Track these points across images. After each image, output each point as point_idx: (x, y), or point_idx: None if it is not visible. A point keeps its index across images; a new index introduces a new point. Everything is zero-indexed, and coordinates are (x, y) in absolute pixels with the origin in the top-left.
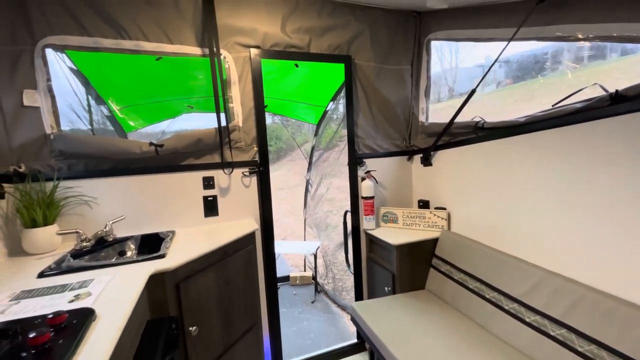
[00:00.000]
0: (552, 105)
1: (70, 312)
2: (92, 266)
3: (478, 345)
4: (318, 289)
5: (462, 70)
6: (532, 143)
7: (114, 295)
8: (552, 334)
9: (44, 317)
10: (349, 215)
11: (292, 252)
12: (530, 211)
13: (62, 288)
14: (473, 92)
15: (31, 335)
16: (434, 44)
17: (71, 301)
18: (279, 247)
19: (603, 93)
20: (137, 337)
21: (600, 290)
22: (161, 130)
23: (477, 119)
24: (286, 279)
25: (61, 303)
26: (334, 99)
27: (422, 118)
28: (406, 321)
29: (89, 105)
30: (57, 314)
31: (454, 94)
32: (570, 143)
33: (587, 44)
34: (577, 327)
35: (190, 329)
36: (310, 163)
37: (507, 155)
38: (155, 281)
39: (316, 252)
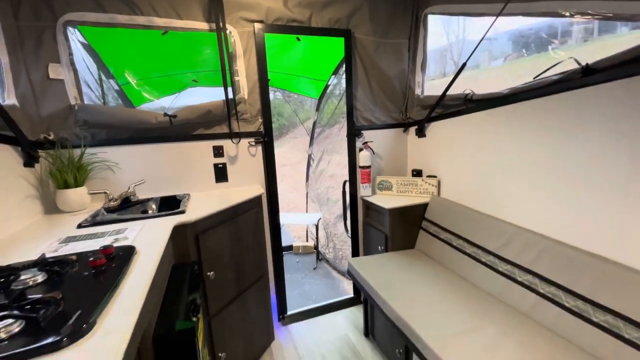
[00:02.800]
0: (533, 78)
1: (116, 247)
2: (123, 219)
3: (458, 291)
4: (319, 257)
5: (469, 42)
6: (514, 113)
7: (146, 240)
8: (519, 279)
9: (95, 251)
10: (347, 184)
11: (294, 222)
12: (509, 176)
13: (102, 234)
14: (464, 65)
15: (91, 259)
16: (442, 18)
17: (112, 243)
18: (283, 218)
19: (577, 66)
20: (166, 276)
21: (562, 242)
22: (167, 106)
23: (468, 92)
24: (289, 248)
25: (104, 244)
26: (335, 72)
27: (417, 91)
28: (396, 273)
29: (100, 79)
30: (107, 247)
31: (458, 68)
32: (548, 112)
33: (572, 19)
34: (541, 273)
35: (209, 273)
36: (312, 138)
37: (492, 125)
38: (178, 232)
39: (317, 223)
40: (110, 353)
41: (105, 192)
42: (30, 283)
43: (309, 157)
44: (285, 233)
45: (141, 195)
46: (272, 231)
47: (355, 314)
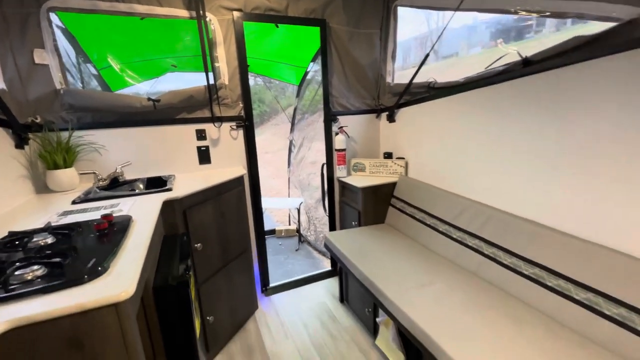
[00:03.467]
0: (485, 68)
1: (115, 216)
2: (115, 196)
3: (418, 256)
4: (301, 239)
5: (450, 31)
6: (468, 99)
7: (139, 212)
8: (469, 244)
9: (96, 219)
10: (325, 167)
11: (277, 207)
12: (464, 156)
13: (97, 209)
14: (427, 56)
15: (95, 223)
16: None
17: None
18: (266, 202)
19: (519, 58)
20: (159, 245)
21: (503, 210)
22: (147, 90)
23: (431, 80)
24: (272, 232)
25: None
26: (314, 59)
27: (388, 79)
28: (366, 243)
29: (78, 64)
30: (107, 215)
31: (438, 56)
32: (495, 99)
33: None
34: (486, 237)
35: (196, 245)
36: (292, 124)
37: (450, 110)
38: (167, 207)
39: (299, 207)
40: (124, 286)
41: (94, 173)
42: (42, 243)
43: (290, 143)
44: (268, 218)
45: (128, 176)
46: (254, 208)
47: (333, 284)
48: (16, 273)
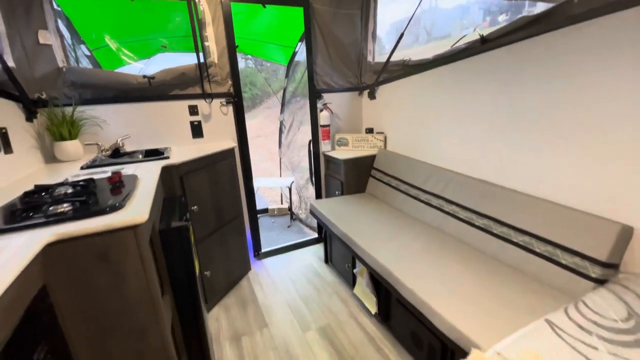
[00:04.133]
0: (451, 47)
1: (122, 175)
2: (119, 162)
3: (391, 217)
4: (293, 217)
5: (441, 11)
6: (437, 75)
7: (143, 173)
8: (433, 204)
9: (108, 175)
10: (311, 144)
11: (269, 186)
12: (433, 127)
13: (104, 172)
14: (401, 35)
15: (108, 177)
16: None
17: None
18: (258, 182)
19: (478, 37)
20: (161, 202)
21: (463, 173)
22: (137, 72)
23: (406, 58)
24: (265, 210)
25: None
26: (301, 39)
27: (369, 58)
28: (347, 208)
29: (73, 45)
30: (116, 172)
31: (431, 37)
32: (458, 74)
33: None
34: (447, 197)
35: (193, 208)
36: (282, 104)
37: (421, 86)
38: (165, 172)
39: (290, 186)
40: (139, 213)
41: (97, 144)
42: (65, 192)
43: (281, 123)
44: (261, 198)
45: (128, 149)
46: (245, 178)
47: (319, 249)
48: (50, 208)
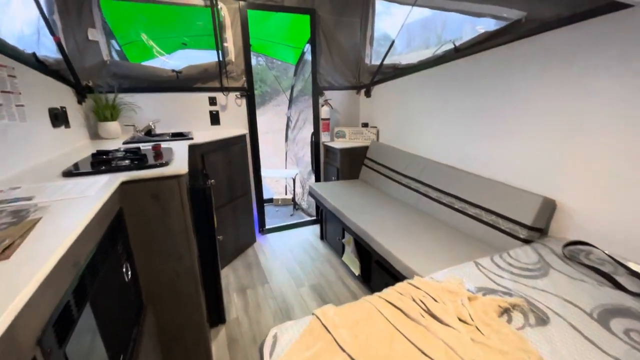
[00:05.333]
0: (432, 54)
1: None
2: (153, 140)
3: (377, 198)
4: (296, 207)
5: (453, 15)
6: (421, 78)
7: (175, 148)
8: (412, 186)
9: (150, 147)
10: (313, 135)
11: (275, 176)
12: (417, 123)
13: (143, 146)
14: (393, 42)
15: (152, 146)
16: None
17: None
18: (265, 173)
19: (452, 47)
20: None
21: (436, 160)
22: (160, 64)
23: (396, 62)
24: (270, 200)
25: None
26: (309, 41)
27: (366, 60)
28: (341, 190)
29: (108, 42)
30: (156, 144)
31: (442, 40)
32: (435, 77)
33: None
34: (423, 180)
35: (210, 181)
36: (290, 100)
37: (408, 87)
38: (190, 150)
39: (295, 178)
40: (182, 168)
41: (133, 125)
42: (121, 155)
43: (288, 119)
44: (267, 189)
45: (157, 131)
46: (254, 159)
47: (316, 228)
48: (118, 163)
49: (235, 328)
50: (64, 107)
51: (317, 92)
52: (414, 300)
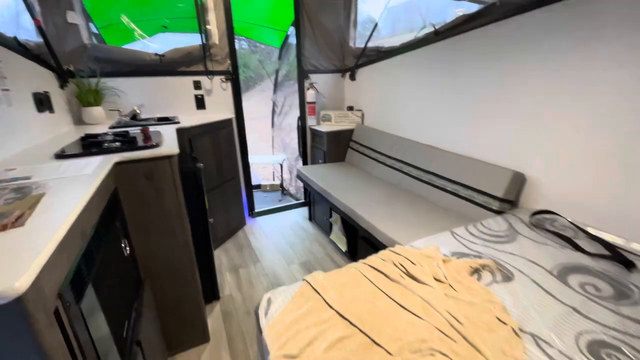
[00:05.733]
0: (414, 36)
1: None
2: (140, 125)
3: (362, 178)
4: (284, 192)
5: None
6: (402, 61)
7: (163, 131)
8: (395, 166)
9: (138, 130)
10: (299, 119)
11: (262, 162)
12: (400, 105)
13: (131, 129)
14: (376, 24)
15: (141, 129)
16: None
17: None
18: (252, 159)
19: (432, 29)
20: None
21: (417, 141)
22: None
23: (379, 45)
24: (258, 186)
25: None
26: (293, 24)
27: (351, 43)
28: (327, 172)
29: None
30: (144, 127)
31: (426, 24)
32: (419, 61)
33: None
34: (406, 160)
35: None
36: (275, 85)
37: (391, 70)
38: (178, 134)
39: (282, 163)
40: (173, 149)
41: (118, 110)
42: (111, 137)
43: (274, 104)
44: (255, 176)
45: (142, 116)
46: (241, 143)
47: (304, 211)
48: (109, 145)
49: (230, 303)
50: (47, 92)
51: (302, 75)
52: (394, 264)
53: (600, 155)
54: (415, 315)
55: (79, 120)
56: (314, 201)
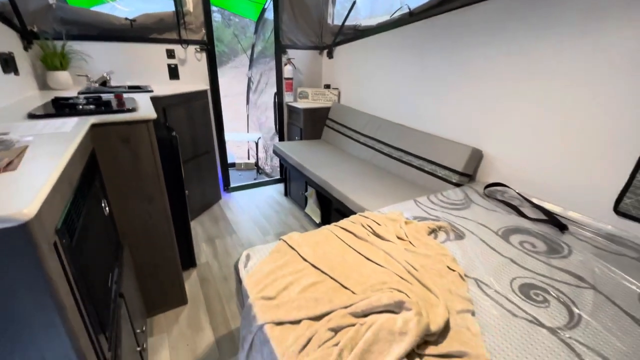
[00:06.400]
0: (390, 16)
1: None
2: (111, 91)
3: (337, 155)
4: (259, 171)
5: None
6: (377, 41)
7: (138, 99)
8: (368, 144)
9: (112, 95)
10: (276, 96)
11: (237, 139)
12: (374, 83)
13: (103, 95)
14: (354, 2)
15: (115, 94)
16: None
17: None
18: (227, 135)
19: (407, 10)
20: None
21: (389, 120)
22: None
23: (357, 23)
24: (233, 165)
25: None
26: None
27: (329, 20)
28: (304, 148)
29: None
30: (118, 93)
31: (402, 4)
32: (393, 41)
33: None
34: (378, 138)
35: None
36: (251, 61)
37: (367, 49)
38: (152, 102)
39: (257, 141)
40: (149, 114)
41: (87, 76)
42: (83, 101)
43: (249, 80)
44: (229, 154)
45: (112, 84)
46: (215, 116)
47: (280, 187)
48: (82, 107)
49: (206, 270)
50: (12, 53)
51: (279, 50)
52: (362, 225)
53: (546, 136)
54: (378, 264)
55: (43, 85)
56: (290, 178)
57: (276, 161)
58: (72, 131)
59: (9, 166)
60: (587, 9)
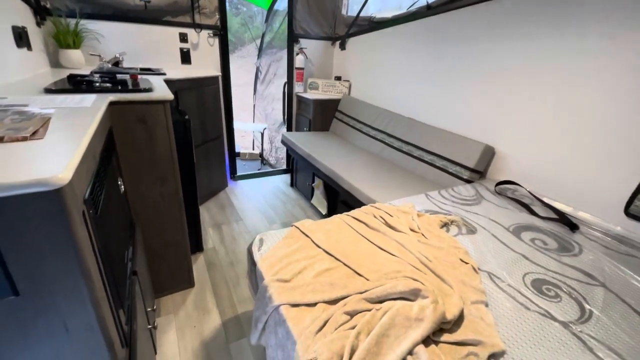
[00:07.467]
0: (407, 9)
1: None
2: (124, 72)
3: (345, 147)
4: (263, 162)
5: None
6: (391, 34)
7: (152, 80)
8: (378, 137)
9: (127, 75)
10: (286, 86)
11: (242, 129)
12: (386, 77)
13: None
14: None
15: (130, 74)
16: None
17: None
18: (234, 124)
19: (425, 4)
20: None
21: (399, 114)
22: None
23: (372, 15)
24: (238, 154)
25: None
26: None
27: (343, 11)
28: (312, 139)
29: None
30: (133, 73)
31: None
32: (408, 34)
33: None
34: (388, 131)
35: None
36: (260, 50)
37: (381, 42)
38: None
39: (263, 132)
40: (167, 95)
41: (99, 55)
42: (98, 79)
43: (257, 69)
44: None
45: (124, 65)
46: (225, 103)
47: (286, 177)
48: (98, 85)
49: (213, 255)
50: (25, 27)
51: (292, 38)
52: (374, 216)
53: (559, 137)
54: (392, 254)
55: (55, 63)
56: (297, 169)
57: (281, 153)
58: (92, 106)
59: (35, 134)
60: (605, 10)
